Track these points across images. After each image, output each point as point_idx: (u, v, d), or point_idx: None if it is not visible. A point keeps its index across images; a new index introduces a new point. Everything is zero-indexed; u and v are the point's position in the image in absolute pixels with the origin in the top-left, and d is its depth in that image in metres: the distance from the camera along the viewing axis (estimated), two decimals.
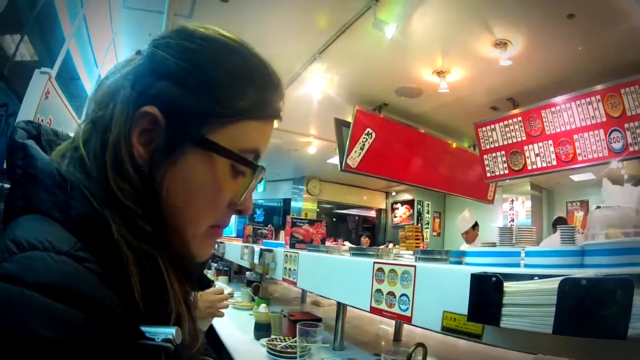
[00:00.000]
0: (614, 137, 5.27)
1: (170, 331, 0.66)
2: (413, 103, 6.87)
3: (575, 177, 9.55)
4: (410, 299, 1.61)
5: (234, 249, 4.98)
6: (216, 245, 6.07)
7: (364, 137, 6.56)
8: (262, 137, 0.85)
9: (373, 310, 1.81)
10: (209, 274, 5.60)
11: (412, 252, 2.39)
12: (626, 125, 5.15)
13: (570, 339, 1.08)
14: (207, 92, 0.76)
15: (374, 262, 1.83)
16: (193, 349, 0.81)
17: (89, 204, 0.70)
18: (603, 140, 5.38)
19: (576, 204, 10.29)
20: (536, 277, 1.10)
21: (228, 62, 0.80)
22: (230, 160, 0.78)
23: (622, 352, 1.02)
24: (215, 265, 6.16)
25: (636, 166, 7.44)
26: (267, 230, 5.36)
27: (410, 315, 1.60)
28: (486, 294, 1.21)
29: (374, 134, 6.63)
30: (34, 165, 0.73)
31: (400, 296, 1.65)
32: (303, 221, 3.74)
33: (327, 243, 4.14)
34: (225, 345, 2.65)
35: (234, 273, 6.03)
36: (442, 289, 1.48)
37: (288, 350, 2.44)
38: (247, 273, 5.19)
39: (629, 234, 1.42)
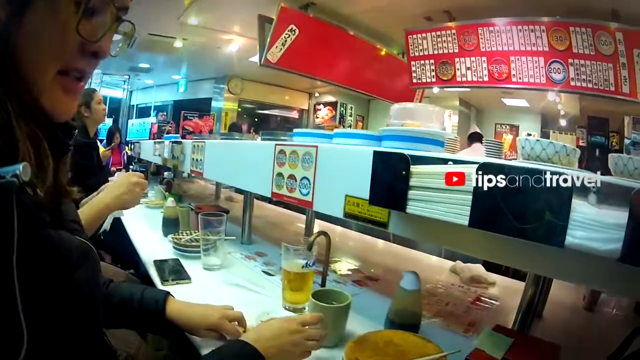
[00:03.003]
0: (554, 68, 5.31)
1: (17, 167, 0.65)
2: (342, 4, 6.61)
3: (508, 101, 9.67)
4: (311, 183, 1.53)
5: (148, 147, 4.98)
6: (132, 146, 6.02)
7: (286, 34, 6.31)
8: None
9: (274, 195, 1.74)
10: None
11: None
12: (570, 60, 5.19)
13: (492, 240, 1.03)
14: None
15: (276, 145, 1.74)
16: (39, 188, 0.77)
17: None
18: (542, 67, 5.41)
19: (506, 126, 10.47)
20: (450, 162, 1.00)
21: None
22: None
23: (549, 259, 0.98)
24: (132, 167, 6.17)
25: (574, 104, 7.57)
26: (170, 126, 5.35)
27: (311, 200, 1.53)
28: (390, 174, 1.12)
29: (297, 31, 6.38)
30: None
31: (301, 179, 1.58)
32: (193, 114, 3.88)
33: None
34: (133, 243, 2.51)
35: (152, 174, 5.91)
36: (345, 172, 1.40)
37: (192, 244, 2.31)
38: (165, 173, 5.10)
39: (427, 126, 1.52)
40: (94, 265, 0.99)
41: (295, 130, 1.92)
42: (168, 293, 1.49)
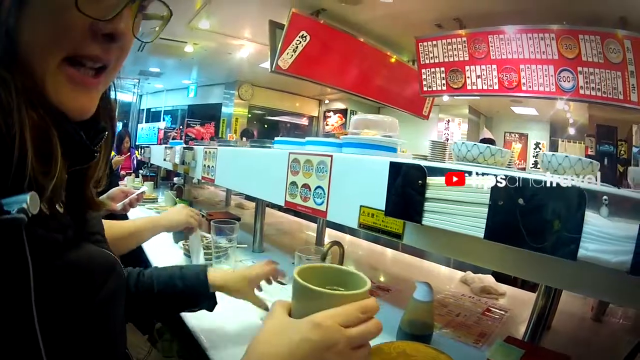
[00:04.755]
0: (563, 76, 5.25)
1: (23, 198, 0.59)
2: (353, 11, 6.53)
3: (517, 110, 9.65)
4: (326, 192, 1.53)
5: (158, 152, 4.96)
6: (141, 151, 6.04)
7: (297, 40, 6.30)
8: None
9: (288, 204, 1.74)
10: (136, 181, 5.47)
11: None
12: (579, 69, 5.13)
13: (506, 252, 1.03)
14: None
15: (290, 153, 1.74)
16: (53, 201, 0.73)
17: None
18: (552, 76, 5.36)
19: (515, 135, 10.46)
20: (466, 175, 1.00)
21: None
22: None
23: (561, 271, 0.97)
24: (142, 171, 6.17)
25: (583, 112, 7.53)
26: (175, 132, 5.46)
27: (325, 210, 1.53)
28: (406, 186, 1.12)
29: (308, 38, 6.37)
30: None
31: (316, 189, 1.58)
32: (195, 122, 4.05)
33: None
34: (143, 249, 2.50)
35: (162, 179, 6.06)
36: (360, 182, 1.40)
37: (204, 251, 2.30)
38: (175, 178, 5.17)
39: (385, 135, 1.71)
40: (119, 278, 0.93)
41: (276, 138, 2.10)
42: (205, 266, 1.50)
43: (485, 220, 0.91)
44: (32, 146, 0.64)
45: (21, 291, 0.61)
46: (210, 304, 1.47)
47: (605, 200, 0.79)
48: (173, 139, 5.21)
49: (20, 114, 0.64)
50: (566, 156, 1.18)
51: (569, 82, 5.19)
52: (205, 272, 1.45)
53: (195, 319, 1.60)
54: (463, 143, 1.36)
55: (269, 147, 2.16)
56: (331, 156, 1.52)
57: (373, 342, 1.28)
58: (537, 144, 10.00)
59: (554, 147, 9.43)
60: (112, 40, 0.73)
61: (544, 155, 1.25)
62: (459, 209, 0.99)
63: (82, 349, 0.77)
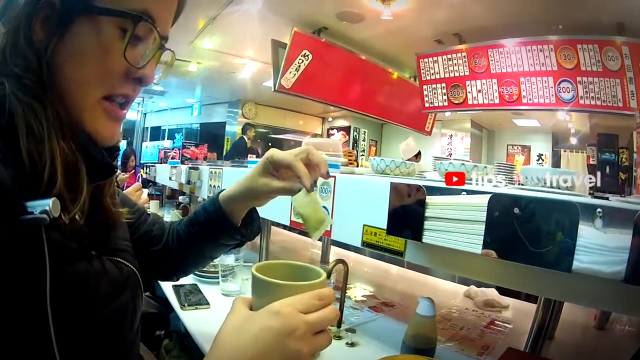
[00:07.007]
0: (563, 87, 5.25)
1: (46, 202, 0.65)
2: (354, 29, 6.63)
3: (519, 122, 9.64)
4: (330, 212, 1.57)
5: (163, 171, 4.99)
6: (147, 169, 6.06)
7: (300, 59, 6.33)
8: None
9: (292, 224, 1.77)
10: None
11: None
12: (579, 79, 5.13)
13: (503, 266, 1.05)
14: None
15: None
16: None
17: None
18: (551, 87, 5.35)
19: (517, 147, 10.44)
20: (464, 193, 1.03)
21: None
22: (112, 17, 0.78)
23: (557, 283, 0.99)
24: (148, 190, 6.10)
25: (584, 122, 7.51)
26: (174, 152, 5.58)
27: (329, 229, 1.55)
28: (407, 205, 1.15)
29: (310, 56, 6.41)
30: None
31: None
32: (191, 143, 4.41)
33: None
34: None
35: (167, 198, 6.06)
36: (363, 201, 1.43)
37: (211, 270, 2.33)
38: (181, 197, 5.17)
39: (330, 154, 1.91)
40: (132, 292, 0.95)
41: (249, 159, 2.29)
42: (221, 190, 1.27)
43: (482, 236, 0.94)
44: (62, 176, 0.73)
45: (37, 287, 0.67)
46: (234, 230, 1.27)
47: (599, 212, 0.81)
48: (172, 158, 5.30)
49: (52, 144, 0.73)
50: (450, 163, 1.43)
51: (568, 92, 5.20)
52: (218, 194, 1.27)
53: (202, 333, 1.64)
54: (374, 158, 1.71)
55: (245, 167, 2.36)
56: (334, 177, 1.55)
57: (379, 356, 1.31)
58: (539, 156, 9.99)
59: (556, 157, 9.41)
60: (141, 84, 0.88)
61: (442, 164, 1.49)
62: (457, 227, 1.01)
63: (92, 358, 0.81)
